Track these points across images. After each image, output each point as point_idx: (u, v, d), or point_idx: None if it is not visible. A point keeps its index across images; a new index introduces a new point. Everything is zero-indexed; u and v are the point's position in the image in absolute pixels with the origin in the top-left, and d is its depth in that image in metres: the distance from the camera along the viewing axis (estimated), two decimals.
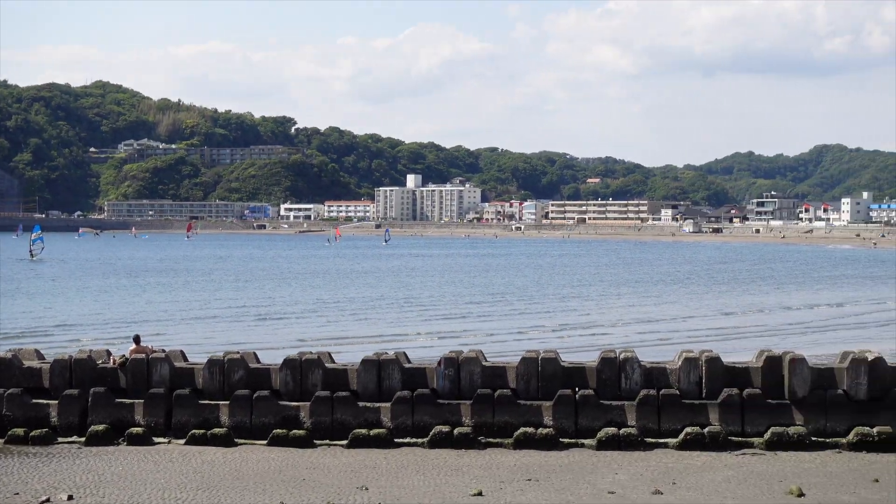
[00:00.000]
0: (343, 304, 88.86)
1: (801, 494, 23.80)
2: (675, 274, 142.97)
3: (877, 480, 25.21)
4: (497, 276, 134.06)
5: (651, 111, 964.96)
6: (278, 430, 30.01)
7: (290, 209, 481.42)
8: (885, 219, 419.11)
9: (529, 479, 25.67)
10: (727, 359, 31.44)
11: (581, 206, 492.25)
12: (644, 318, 77.64)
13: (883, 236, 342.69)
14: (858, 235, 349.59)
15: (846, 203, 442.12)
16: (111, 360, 32.08)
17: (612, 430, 29.25)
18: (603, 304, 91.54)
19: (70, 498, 24.07)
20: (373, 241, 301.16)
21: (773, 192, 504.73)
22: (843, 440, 28.83)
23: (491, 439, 29.63)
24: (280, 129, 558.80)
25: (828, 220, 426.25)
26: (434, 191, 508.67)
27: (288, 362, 31.11)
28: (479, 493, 24.22)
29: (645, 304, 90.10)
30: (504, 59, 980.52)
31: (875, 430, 28.79)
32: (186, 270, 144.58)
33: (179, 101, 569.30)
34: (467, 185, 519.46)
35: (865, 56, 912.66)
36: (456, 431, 29.52)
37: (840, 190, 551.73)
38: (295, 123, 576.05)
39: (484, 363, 30.78)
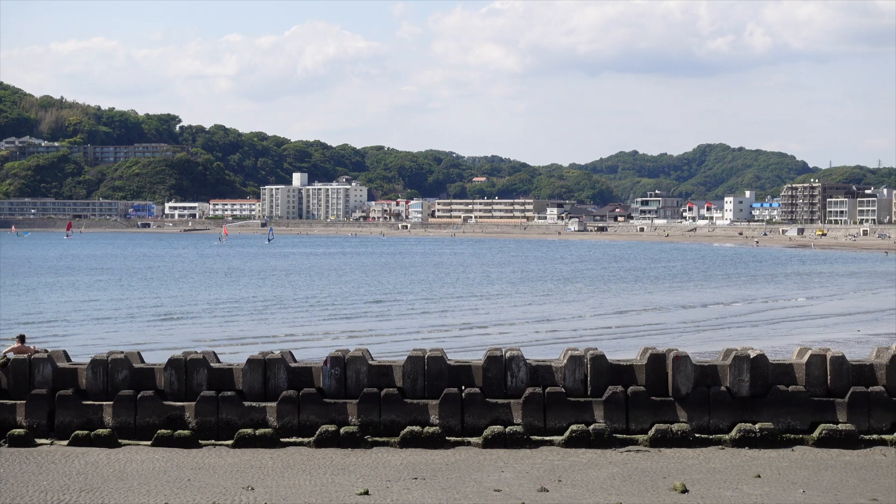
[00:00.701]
0: (240, 303, 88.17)
1: (684, 490, 24.06)
2: (565, 272, 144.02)
3: (759, 476, 25.55)
4: (391, 275, 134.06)
5: (536, 110, 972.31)
6: (163, 431, 29.67)
7: (175, 208, 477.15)
8: (767, 217, 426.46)
9: (416, 478, 25.66)
10: (613, 356, 31.70)
11: (467, 204, 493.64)
12: (540, 316, 78.14)
13: (765, 234, 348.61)
14: (741, 234, 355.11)
15: (729, 202, 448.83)
16: None
17: (498, 428, 29.34)
18: (499, 302, 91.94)
19: None
20: (260, 240, 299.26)
21: (657, 191, 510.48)
22: (726, 436, 29.19)
23: (378, 438, 29.56)
24: (164, 127, 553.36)
25: (711, 218, 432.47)
26: (320, 189, 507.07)
27: (172, 362, 30.78)
28: (366, 492, 24.15)
29: (541, 303, 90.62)
30: (390, 58, 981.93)
31: (757, 426, 29.19)
32: (70, 270, 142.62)
33: (62, 98, 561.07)
34: (354, 184, 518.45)
35: (747, 56, 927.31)
36: (342, 430, 29.40)
37: (723, 189, 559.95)
38: (179, 121, 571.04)
39: (370, 362, 30.71)
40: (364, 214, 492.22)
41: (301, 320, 74.65)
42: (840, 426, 29.25)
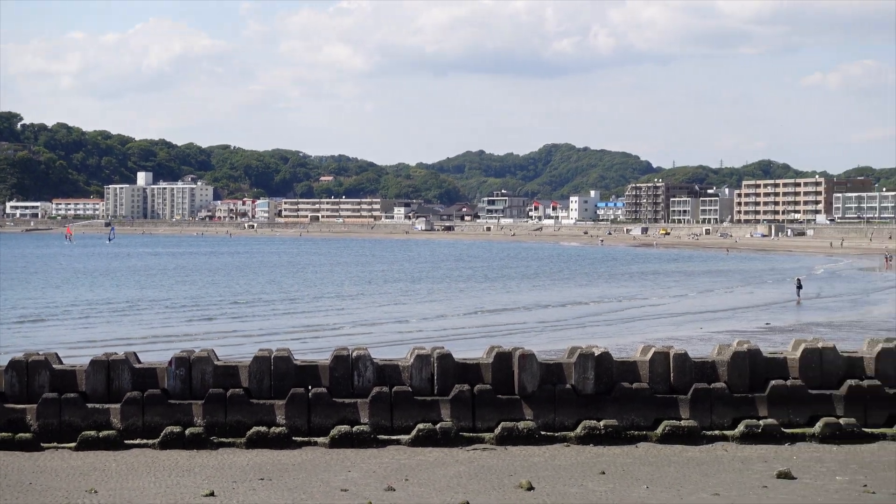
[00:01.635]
0: (94, 305, 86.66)
1: (530, 488, 24.22)
2: (419, 272, 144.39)
3: (603, 473, 25.84)
4: (243, 276, 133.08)
5: (384, 110, 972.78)
6: (3, 434, 28.98)
7: (17, 207, 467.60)
8: (612, 217, 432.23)
9: (262, 479, 25.44)
10: (461, 355, 31.80)
11: (314, 204, 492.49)
12: (400, 316, 78.27)
13: (609, 234, 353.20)
14: (586, 233, 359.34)
15: (574, 201, 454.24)
16: None
17: (345, 427, 29.24)
18: (358, 302, 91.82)
19: None
20: (104, 240, 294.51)
21: (503, 191, 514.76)
22: (572, 434, 29.48)
23: (223, 439, 29.25)
24: (5, 126, 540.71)
25: (557, 218, 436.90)
26: (165, 189, 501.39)
27: (13, 364, 30.09)
28: (211, 494, 23.87)
29: (402, 303, 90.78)
30: (237, 57, 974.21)
31: (602, 423, 29.53)
32: None
33: None
34: (199, 183, 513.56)
35: (592, 57, 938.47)
36: (188, 432, 29.04)
37: (568, 188, 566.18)
38: (21, 119, 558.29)
39: (216, 362, 30.39)
40: (210, 214, 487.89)
41: (158, 322, 73.63)
42: (683, 422, 29.73)
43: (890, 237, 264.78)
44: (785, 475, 25.30)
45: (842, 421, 29.89)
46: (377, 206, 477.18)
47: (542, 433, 29.48)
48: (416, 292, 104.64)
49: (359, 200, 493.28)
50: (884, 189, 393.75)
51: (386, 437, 29.38)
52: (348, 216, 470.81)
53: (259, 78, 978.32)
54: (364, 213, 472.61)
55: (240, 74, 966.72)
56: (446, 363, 30.26)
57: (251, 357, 30.68)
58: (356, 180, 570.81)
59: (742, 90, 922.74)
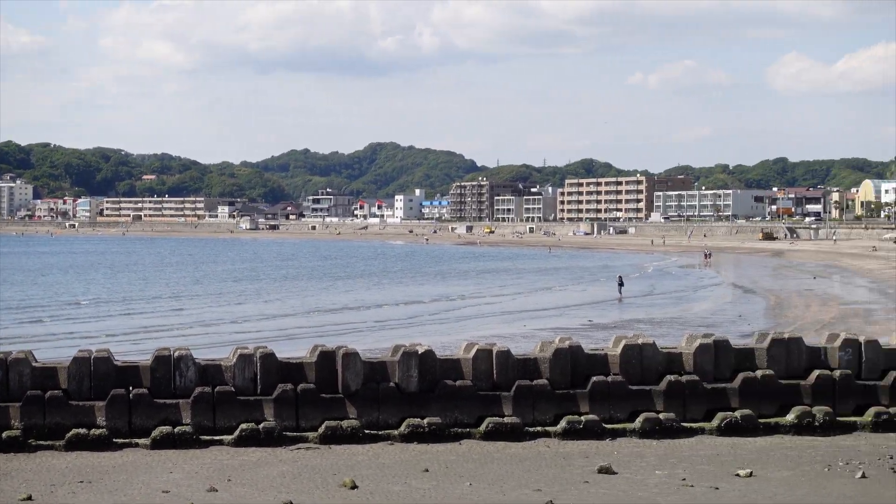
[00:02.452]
0: None
1: (354, 486, 24.17)
2: (251, 271, 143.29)
3: (427, 470, 25.90)
4: (67, 276, 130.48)
5: (207, 108, 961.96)
6: None
7: None
8: (437, 215, 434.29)
9: (82, 481, 24.94)
10: (285, 355, 31.59)
11: (137, 202, 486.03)
12: (240, 316, 77.58)
13: (434, 232, 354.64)
14: (411, 231, 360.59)
15: (399, 200, 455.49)
16: None
17: (166, 428, 28.81)
18: (193, 302, 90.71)
19: None
20: None
21: (328, 189, 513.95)
22: (396, 432, 29.51)
23: (42, 442, 28.59)
24: None
25: (382, 216, 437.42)
26: None
27: None
28: (29, 498, 23.28)
29: (239, 303, 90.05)
30: (56, 53, 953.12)
31: (426, 421, 29.61)
32: None
33: None
34: (18, 182, 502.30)
35: (416, 56, 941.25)
36: (4, 435, 28.30)
37: (394, 187, 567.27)
38: None
39: (34, 364, 29.69)
40: (30, 213, 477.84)
41: None
42: (506, 419, 29.97)
43: (704, 235, 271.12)
44: (606, 470, 25.67)
45: (661, 416, 30.44)
46: (201, 205, 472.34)
47: (367, 431, 29.45)
48: (252, 292, 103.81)
49: (182, 199, 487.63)
50: (703, 188, 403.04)
51: (208, 437, 29.05)
52: (171, 215, 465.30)
53: (79, 75, 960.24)
54: (188, 213, 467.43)
55: (59, 71, 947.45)
56: (269, 362, 30.03)
57: (70, 358, 30.05)
58: (179, 179, 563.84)
59: (565, 90, 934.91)
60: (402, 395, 30.12)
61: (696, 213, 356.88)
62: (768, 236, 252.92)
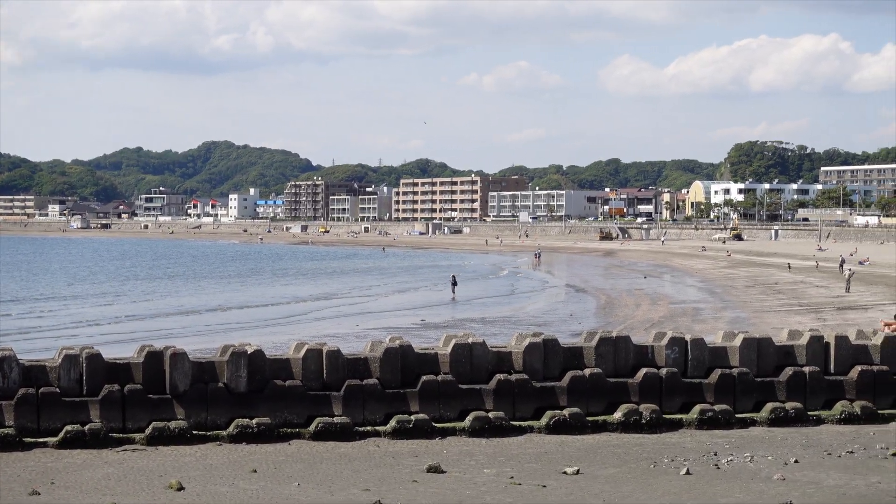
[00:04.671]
0: None
1: (180, 488, 23.82)
2: (80, 272, 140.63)
3: (255, 471, 25.65)
4: None
5: (37, 105, 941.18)
6: None
7: None
8: (272, 214, 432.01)
9: None
10: (111, 355, 31.02)
11: None
12: (90, 318, 75.97)
13: (269, 231, 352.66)
14: (246, 231, 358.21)
15: (234, 199, 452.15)
16: None
17: None
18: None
19: None
20: None
21: (162, 188, 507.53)
22: (224, 433, 29.18)
23: None
24: None
25: (216, 215, 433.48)
26: None
27: None
28: None
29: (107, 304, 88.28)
30: None
31: (254, 421, 29.34)
32: None
33: None
34: None
35: (252, 55, 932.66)
36: None
37: (228, 186, 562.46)
38: None
39: None
40: None
41: None
42: (336, 419, 29.85)
43: (526, 234, 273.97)
44: (435, 469, 25.71)
45: (491, 415, 30.60)
46: (30, 204, 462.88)
47: (195, 432, 29.07)
48: (105, 293, 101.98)
49: (11, 197, 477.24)
50: (537, 188, 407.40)
51: (32, 439, 28.37)
52: (0, 213, 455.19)
53: None
54: (17, 211, 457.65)
55: None
56: (95, 363, 29.45)
57: None
58: (8, 177, 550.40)
59: (400, 90, 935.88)
60: (231, 396, 29.80)
61: (530, 214, 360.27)
62: (606, 236, 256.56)
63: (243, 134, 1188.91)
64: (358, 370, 30.83)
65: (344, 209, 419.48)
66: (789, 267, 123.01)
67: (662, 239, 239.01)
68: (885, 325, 37.57)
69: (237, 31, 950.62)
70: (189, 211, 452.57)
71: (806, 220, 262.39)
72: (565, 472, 25.61)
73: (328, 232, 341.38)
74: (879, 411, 32.92)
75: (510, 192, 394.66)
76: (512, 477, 25.15)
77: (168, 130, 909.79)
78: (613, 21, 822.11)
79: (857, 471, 25.78)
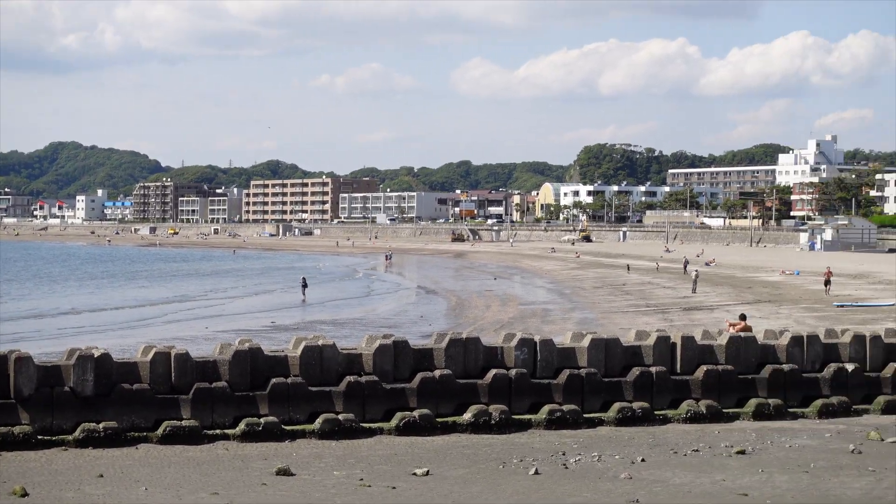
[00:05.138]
0: None
1: (24, 494, 23.32)
2: None
3: (101, 476, 25.22)
4: None
5: None
6: None
7: None
8: (120, 216, 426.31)
9: None
10: None
11: None
12: None
13: (117, 233, 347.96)
14: (93, 233, 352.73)
15: (81, 200, 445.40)
16: None
17: None
18: None
19: None
20: None
21: (7, 189, 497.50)
22: (70, 437, 28.67)
23: None
24: None
25: (63, 217, 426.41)
26: None
27: None
28: None
29: None
30: None
31: (101, 425, 28.86)
32: None
33: None
34: None
35: (99, 55, 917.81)
36: None
37: (76, 187, 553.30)
38: None
39: None
40: None
41: None
42: (184, 423, 29.52)
43: (376, 237, 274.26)
44: (284, 472, 25.57)
45: (341, 417, 30.53)
46: None
47: (40, 437, 28.51)
48: None
49: None
50: (388, 189, 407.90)
51: None
52: None
53: None
54: None
55: None
56: None
57: None
58: None
59: (250, 91, 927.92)
60: (77, 400, 29.29)
61: (387, 215, 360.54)
62: (459, 238, 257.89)
63: (91, 134, 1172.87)
64: (207, 373, 30.53)
65: (194, 211, 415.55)
66: (628, 269, 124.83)
67: (511, 241, 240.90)
68: (731, 325, 38.24)
69: (85, 30, 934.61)
70: (35, 212, 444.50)
71: (640, 221, 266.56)
72: (415, 474, 25.66)
73: (177, 233, 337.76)
74: (724, 410, 33.58)
75: (361, 194, 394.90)
76: (362, 479, 25.13)
77: (14, 131, 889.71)
78: (465, 23, 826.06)
79: (703, 469, 26.24)
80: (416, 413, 31.09)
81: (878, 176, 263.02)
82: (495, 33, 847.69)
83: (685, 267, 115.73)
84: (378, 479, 25.11)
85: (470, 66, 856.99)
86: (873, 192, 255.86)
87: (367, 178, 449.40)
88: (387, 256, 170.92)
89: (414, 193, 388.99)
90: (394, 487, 24.36)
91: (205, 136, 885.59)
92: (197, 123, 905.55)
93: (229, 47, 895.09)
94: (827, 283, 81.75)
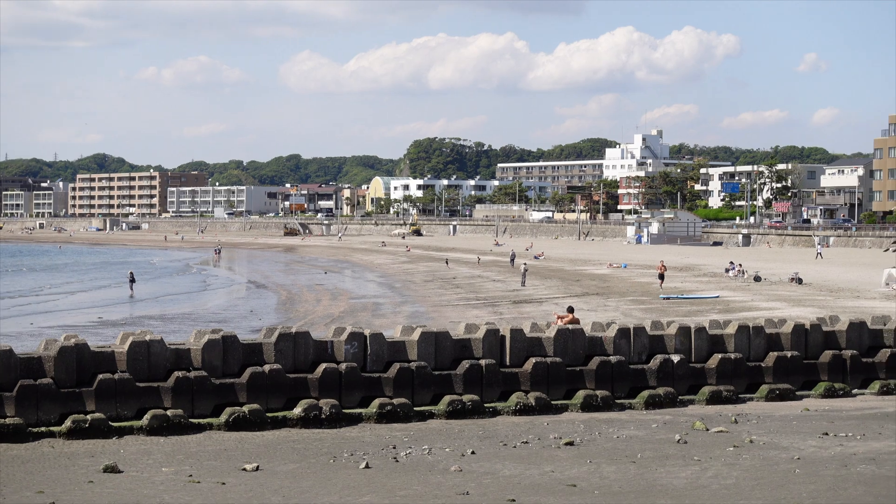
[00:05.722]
0: None
1: None
2: None
3: None
4: None
5: None
6: None
7: None
8: None
9: None
10: None
11: None
12: None
13: None
14: None
15: None
16: None
17: None
18: None
19: None
20: None
21: None
22: None
23: None
24: None
25: None
26: None
27: None
28: None
29: None
30: None
31: None
32: None
33: None
34: None
35: None
36: None
37: None
38: None
39: None
40: None
41: None
42: (8, 420, 28.86)
43: (202, 231, 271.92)
44: (111, 469, 25.15)
45: (169, 412, 30.15)
46: None
47: None
48: None
49: None
50: (217, 183, 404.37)
51: None
52: None
53: None
54: None
55: None
56: None
57: None
58: None
59: (76, 83, 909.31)
60: None
61: (210, 209, 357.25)
62: (292, 232, 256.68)
63: None
64: (32, 370, 29.89)
65: (18, 205, 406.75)
66: (447, 263, 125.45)
67: (340, 235, 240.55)
68: (559, 317, 38.73)
69: None
70: None
71: (470, 215, 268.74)
72: (245, 469, 25.47)
73: (1, 228, 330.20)
74: (553, 402, 33.98)
75: (190, 188, 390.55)
76: (191, 475, 24.85)
77: None
78: (294, 16, 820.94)
79: (532, 460, 26.52)
80: (245, 408, 30.86)
81: (703, 170, 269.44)
82: (324, 26, 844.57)
83: (512, 261, 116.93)
84: (207, 475, 24.87)
85: (299, 59, 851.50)
86: (698, 186, 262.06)
87: (196, 172, 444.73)
88: (216, 251, 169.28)
89: (244, 187, 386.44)
90: (223, 483, 24.14)
91: (29, 129, 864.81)
92: (20, 116, 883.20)
93: (53, 38, 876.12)
94: (661, 276, 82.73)
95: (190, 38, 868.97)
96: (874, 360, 38.62)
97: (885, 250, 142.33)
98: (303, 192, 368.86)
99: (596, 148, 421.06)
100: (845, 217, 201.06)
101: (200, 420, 30.57)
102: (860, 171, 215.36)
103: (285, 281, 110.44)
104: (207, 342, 31.70)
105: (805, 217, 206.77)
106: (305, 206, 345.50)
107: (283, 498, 22.96)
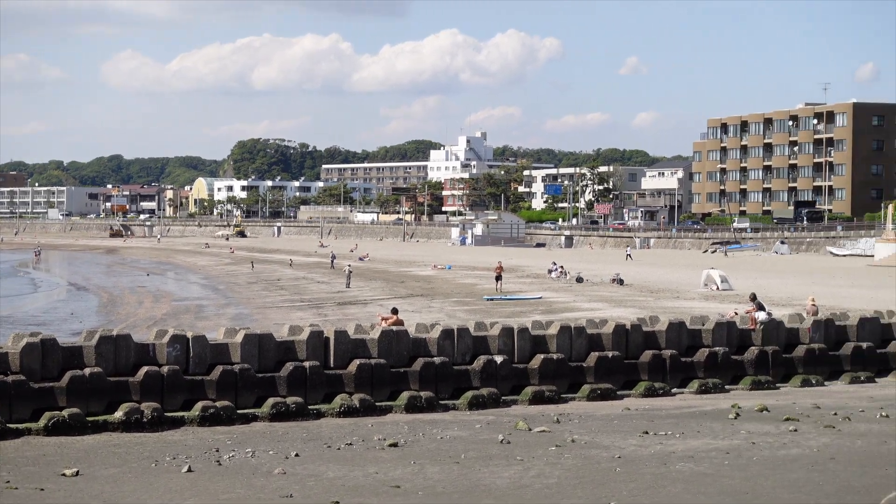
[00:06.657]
0: None
1: None
2: None
3: None
4: None
5: None
6: None
7: None
8: None
9: None
10: None
11: None
12: None
13: None
14: None
15: None
16: None
17: None
18: None
19: None
20: None
21: None
22: None
23: None
24: None
25: None
26: None
27: None
28: None
29: None
30: None
31: None
32: None
33: None
34: None
35: None
36: None
37: None
38: None
39: None
40: None
41: None
42: None
43: (16, 233, 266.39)
44: None
45: None
46: None
47: None
48: None
49: None
50: (37, 184, 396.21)
51: None
52: None
53: None
54: None
55: None
56: None
57: None
58: None
59: None
60: None
61: (29, 210, 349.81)
62: (117, 234, 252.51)
63: None
64: None
65: None
66: (252, 266, 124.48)
67: (160, 236, 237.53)
68: (383, 319, 38.81)
69: None
70: None
71: (294, 217, 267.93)
72: (64, 475, 25.01)
73: None
74: (377, 403, 34.06)
75: (8, 189, 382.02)
76: (8, 482, 24.32)
77: None
78: (116, 15, 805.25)
79: (356, 462, 26.54)
80: (65, 412, 30.31)
81: (526, 172, 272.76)
82: (146, 25, 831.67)
83: (332, 262, 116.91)
84: (25, 481, 24.37)
85: (121, 58, 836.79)
86: (521, 188, 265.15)
87: (14, 173, 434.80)
88: (36, 252, 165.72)
89: (64, 188, 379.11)
90: (42, 489, 23.69)
91: None
92: None
93: None
94: (498, 278, 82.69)
95: (8, 35, 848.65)
96: (693, 359, 39.55)
97: (705, 252, 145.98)
98: (125, 192, 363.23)
99: (421, 150, 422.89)
100: (665, 219, 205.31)
101: (19, 425, 29.93)
102: (680, 174, 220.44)
103: (107, 283, 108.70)
104: (26, 345, 31.06)
105: (626, 219, 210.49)
106: (127, 207, 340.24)
107: (104, 503, 22.64)
